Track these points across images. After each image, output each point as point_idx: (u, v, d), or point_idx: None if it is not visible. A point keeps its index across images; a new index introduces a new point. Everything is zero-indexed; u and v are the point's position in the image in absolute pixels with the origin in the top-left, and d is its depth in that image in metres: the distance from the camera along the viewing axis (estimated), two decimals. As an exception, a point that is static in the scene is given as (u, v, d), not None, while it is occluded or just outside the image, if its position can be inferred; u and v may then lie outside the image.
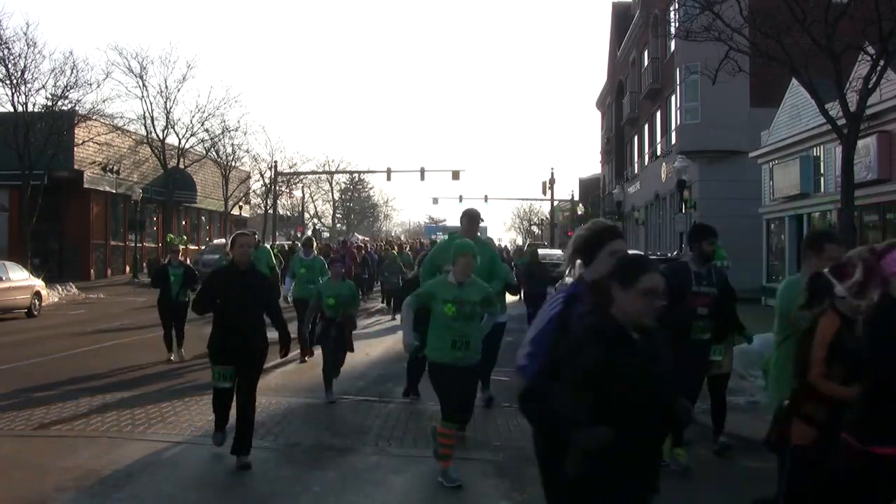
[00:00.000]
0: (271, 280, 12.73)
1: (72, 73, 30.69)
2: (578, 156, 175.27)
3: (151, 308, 19.05)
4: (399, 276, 19.68)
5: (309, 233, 56.86)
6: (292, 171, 58.13)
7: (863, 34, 14.09)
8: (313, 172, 63.22)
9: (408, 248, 31.93)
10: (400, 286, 19.34)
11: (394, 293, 19.99)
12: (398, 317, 18.49)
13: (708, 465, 7.22)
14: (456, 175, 52.67)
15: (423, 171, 52.17)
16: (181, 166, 40.40)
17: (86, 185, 34.22)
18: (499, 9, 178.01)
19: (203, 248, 39.73)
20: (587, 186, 67.06)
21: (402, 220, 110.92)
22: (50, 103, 30.83)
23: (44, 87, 30.59)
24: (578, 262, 3.86)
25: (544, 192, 61.75)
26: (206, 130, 41.82)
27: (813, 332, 3.95)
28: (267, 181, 53.28)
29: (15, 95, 29.59)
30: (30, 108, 30.09)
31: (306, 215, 67.14)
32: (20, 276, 21.07)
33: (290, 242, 40.72)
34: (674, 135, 32.12)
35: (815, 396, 3.95)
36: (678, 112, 31.18)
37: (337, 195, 76.80)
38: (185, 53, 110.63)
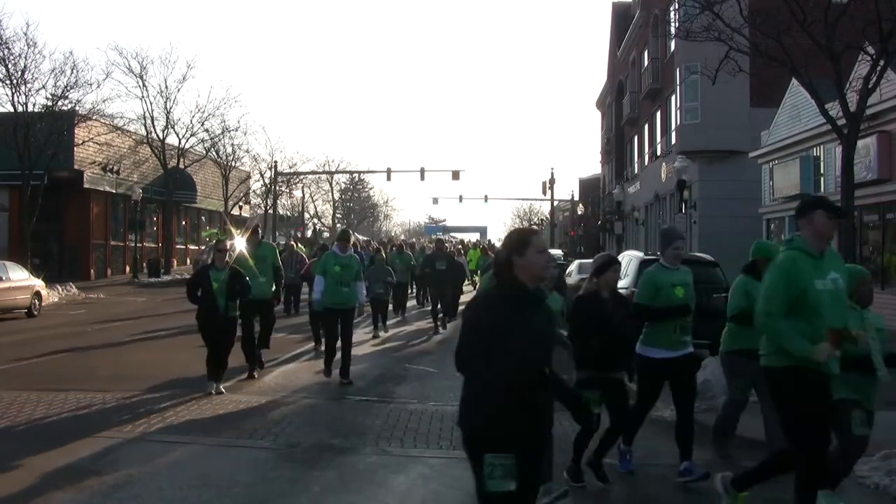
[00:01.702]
0: (275, 284, 11.21)
1: (72, 73, 30.79)
2: (578, 156, 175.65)
3: (153, 309, 19.05)
4: (386, 284, 16.21)
5: (309, 233, 56.91)
6: (292, 171, 58.18)
7: (863, 34, 14.08)
8: (313, 172, 63.26)
9: (396, 249, 24.85)
10: (386, 297, 16.37)
11: (378, 306, 16.04)
12: (381, 333, 15.79)
13: (708, 464, 7.22)
14: (456, 175, 52.74)
15: (423, 171, 52.22)
16: (181, 166, 40.43)
17: (86, 185, 34.22)
18: (499, 9, 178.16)
19: (203, 248, 39.71)
20: (587, 186, 67.05)
21: (402, 220, 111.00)
22: (50, 103, 30.86)
23: (44, 87, 30.68)
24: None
25: (544, 192, 61.81)
26: (206, 130, 41.92)
27: None
28: (267, 181, 53.34)
29: (15, 95, 29.67)
30: (30, 108, 30.14)
31: (306, 215, 67.15)
32: (20, 276, 21.07)
33: (290, 242, 40.28)
34: (674, 135, 32.12)
35: None
36: (678, 112, 31.19)
37: (337, 195, 76.81)
38: (185, 53, 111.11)
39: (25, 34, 31.42)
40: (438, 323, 17.05)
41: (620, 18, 47.36)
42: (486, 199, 68.19)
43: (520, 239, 3.77)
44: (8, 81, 29.57)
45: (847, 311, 4.99)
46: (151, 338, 15.60)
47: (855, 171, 15.12)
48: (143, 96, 42.77)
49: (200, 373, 10.81)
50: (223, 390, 9.63)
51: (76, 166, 33.54)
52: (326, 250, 12.14)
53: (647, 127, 39.92)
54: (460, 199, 66.38)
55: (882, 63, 13.77)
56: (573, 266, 23.54)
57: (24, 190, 29.72)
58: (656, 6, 34.74)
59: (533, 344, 3.64)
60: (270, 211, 52.69)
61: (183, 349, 13.83)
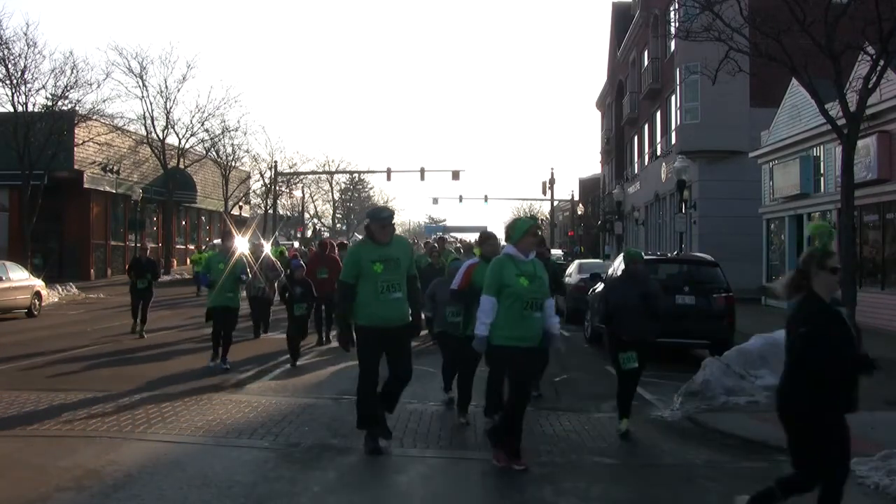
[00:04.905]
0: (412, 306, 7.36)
1: (72, 73, 30.82)
2: (578, 156, 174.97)
3: (152, 309, 18.93)
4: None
5: (309, 233, 56.88)
6: (292, 171, 58.21)
7: (863, 34, 14.08)
8: (313, 172, 63.31)
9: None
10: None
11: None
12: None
13: (708, 464, 7.23)
14: (456, 175, 52.77)
15: (423, 171, 52.23)
16: (181, 166, 40.45)
17: (86, 185, 34.24)
18: (499, 9, 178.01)
19: (203, 248, 39.74)
20: (587, 186, 67.08)
21: (403, 220, 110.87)
22: (50, 103, 30.89)
23: (44, 87, 30.72)
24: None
25: (544, 192, 61.88)
26: (206, 130, 42.00)
27: None
28: (267, 181, 53.37)
29: (15, 95, 29.69)
30: (30, 108, 30.17)
31: (306, 215, 67.19)
32: (20, 276, 21.07)
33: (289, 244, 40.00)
34: (674, 135, 32.14)
35: None
36: (678, 112, 31.21)
37: (337, 195, 76.89)
38: (185, 53, 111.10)
39: (25, 34, 31.46)
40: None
41: (620, 18, 47.37)
42: (486, 199, 68.19)
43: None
44: (8, 81, 29.64)
45: None
46: (150, 337, 15.58)
47: (855, 171, 15.12)
48: (143, 96, 42.88)
49: (199, 371, 10.76)
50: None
51: (76, 166, 33.56)
52: (499, 252, 7.18)
53: (647, 127, 39.93)
54: (460, 199, 66.50)
55: (882, 63, 13.76)
56: (573, 266, 23.53)
57: (24, 190, 29.73)
58: (656, 6, 34.75)
59: None
60: (270, 211, 52.73)
61: (183, 348, 13.84)
